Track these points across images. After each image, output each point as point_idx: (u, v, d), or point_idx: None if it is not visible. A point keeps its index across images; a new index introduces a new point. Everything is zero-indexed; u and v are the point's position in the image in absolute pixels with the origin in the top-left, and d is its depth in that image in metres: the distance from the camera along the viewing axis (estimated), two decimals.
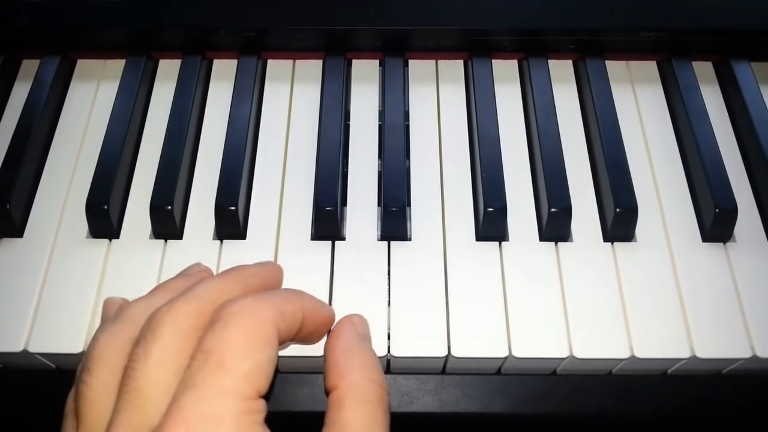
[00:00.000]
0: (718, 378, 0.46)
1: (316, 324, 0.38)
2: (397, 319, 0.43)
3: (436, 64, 0.56)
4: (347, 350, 0.36)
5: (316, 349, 0.41)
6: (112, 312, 0.40)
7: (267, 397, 0.33)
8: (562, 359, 0.42)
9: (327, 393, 0.35)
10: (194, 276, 0.41)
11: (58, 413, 0.45)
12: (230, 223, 0.46)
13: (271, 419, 0.32)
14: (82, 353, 0.42)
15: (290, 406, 0.44)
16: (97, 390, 0.33)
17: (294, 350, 0.41)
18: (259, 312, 0.34)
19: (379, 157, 0.50)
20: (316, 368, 0.43)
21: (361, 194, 0.49)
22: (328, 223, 0.46)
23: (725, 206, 0.46)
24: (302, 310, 0.37)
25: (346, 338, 0.37)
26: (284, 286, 0.44)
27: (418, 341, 0.43)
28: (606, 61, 0.54)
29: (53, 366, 0.45)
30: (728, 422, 0.47)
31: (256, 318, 0.33)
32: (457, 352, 0.42)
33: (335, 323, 0.39)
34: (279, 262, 0.46)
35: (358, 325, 0.39)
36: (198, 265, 0.43)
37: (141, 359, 0.32)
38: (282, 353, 0.41)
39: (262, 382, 0.32)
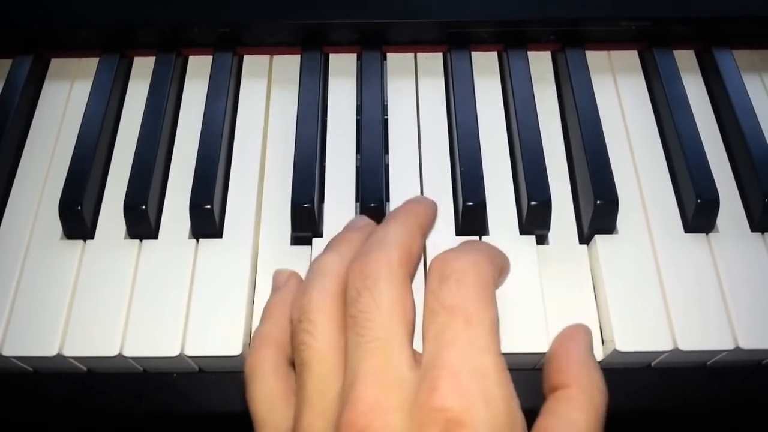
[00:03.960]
0: (703, 370, 0.45)
1: (505, 273, 0.42)
2: None
3: (415, 57, 0.55)
4: (585, 357, 0.37)
5: None
6: (282, 282, 0.41)
7: None
8: (542, 354, 0.42)
9: (550, 387, 0.36)
10: (365, 229, 0.42)
11: (39, 415, 0.45)
12: (206, 221, 0.45)
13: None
14: (58, 356, 0.42)
15: None
16: (321, 339, 0.34)
17: None
18: (483, 268, 0.35)
19: (358, 152, 0.50)
20: None
21: (339, 190, 0.48)
22: (305, 220, 0.45)
23: (707, 197, 0.45)
24: (501, 261, 0.40)
25: (583, 344, 0.38)
26: (262, 283, 0.44)
27: None
28: (586, 51, 0.54)
29: (30, 369, 0.45)
30: (716, 415, 0.46)
31: (483, 275, 0.35)
32: None
33: (570, 327, 0.40)
34: (256, 260, 0.45)
35: (590, 335, 0.39)
36: (363, 218, 0.44)
37: (373, 310, 0.33)
38: None
39: (499, 337, 0.34)
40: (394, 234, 0.37)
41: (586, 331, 0.39)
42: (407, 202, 0.42)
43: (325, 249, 0.40)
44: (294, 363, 0.36)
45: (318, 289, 0.36)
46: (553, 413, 0.34)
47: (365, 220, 0.43)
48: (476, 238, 0.46)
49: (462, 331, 0.32)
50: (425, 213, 0.42)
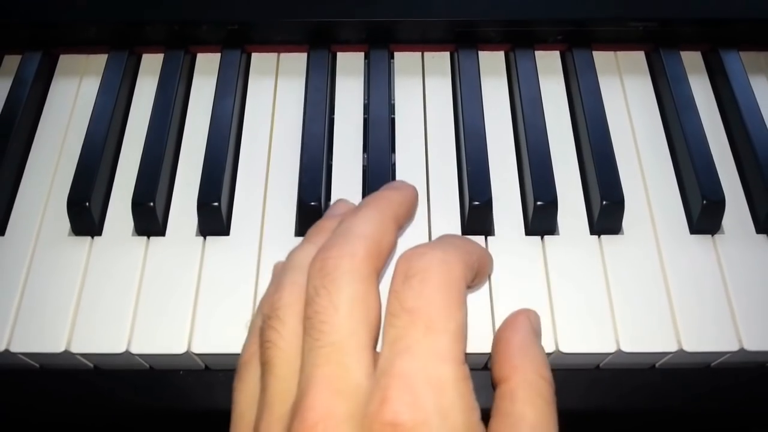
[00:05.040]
0: (707, 371, 0.45)
1: (483, 272, 0.39)
2: None
3: (422, 56, 0.55)
4: (523, 344, 0.35)
5: None
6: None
7: None
8: (548, 354, 0.42)
9: (494, 382, 0.34)
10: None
11: (45, 412, 0.45)
12: (213, 219, 0.46)
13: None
14: (65, 353, 0.42)
15: None
16: (288, 339, 0.32)
17: None
18: (452, 267, 0.33)
19: (364, 151, 0.50)
20: None
21: (346, 189, 0.48)
22: (312, 219, 0.45)
23: (713, 198, 0.45)
24: (477, 260, 0.37)
25: (523, 331, 0.36)
26: (267, 282, 0.44)
27: None
28: (593, 52, 0.54)
29: (37, 365, 0.45)
30: (719, 416, 0.46)
31: (450, 274, 0.33)
32: None
33: (511, 314, 0.38)
34: (263, 258, 0.45)
35: (534, 320, 0.38)
36: (343, 202, 0.42)
37: (329, 311, 0.31)
38: None
39: (465, 343, 0.32)
40: (362, 225, 0.35)
41: (527, 316, 0.37)
42: (384, 188, 0.40)
43: (303, 240, 0.39)
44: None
45: (290, 284, 0.34)
46: (499, 413, 0.33)
47: (346, 205, 0.42)
48: (482, 237, 0.46)
49: (422, 337, 0.30)
50: (402, 201, 0.39)
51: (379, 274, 0.34)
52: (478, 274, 0.38)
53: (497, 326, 0.42)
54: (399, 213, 0.38)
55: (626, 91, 0.53)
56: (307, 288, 0.33)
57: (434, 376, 0.30)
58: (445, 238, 0.37)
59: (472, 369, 0.43)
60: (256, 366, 0.34)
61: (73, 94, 0.54)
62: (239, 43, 0.54)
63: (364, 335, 0.31)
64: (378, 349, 0.33)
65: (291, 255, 0.37)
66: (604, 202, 0.45)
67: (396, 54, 0.55)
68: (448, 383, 0.30)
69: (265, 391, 0.32)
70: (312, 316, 0.32)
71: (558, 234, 0.46)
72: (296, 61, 0.55)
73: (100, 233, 0.47)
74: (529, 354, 0.35)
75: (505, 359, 0.34)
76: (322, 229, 0.38)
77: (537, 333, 0.38)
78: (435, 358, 0.30)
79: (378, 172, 0.47)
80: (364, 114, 0.52)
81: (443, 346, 0.30)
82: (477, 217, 0.46)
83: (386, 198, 0.38)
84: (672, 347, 0.42)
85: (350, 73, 0.54)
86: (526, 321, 0.37)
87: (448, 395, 0.29)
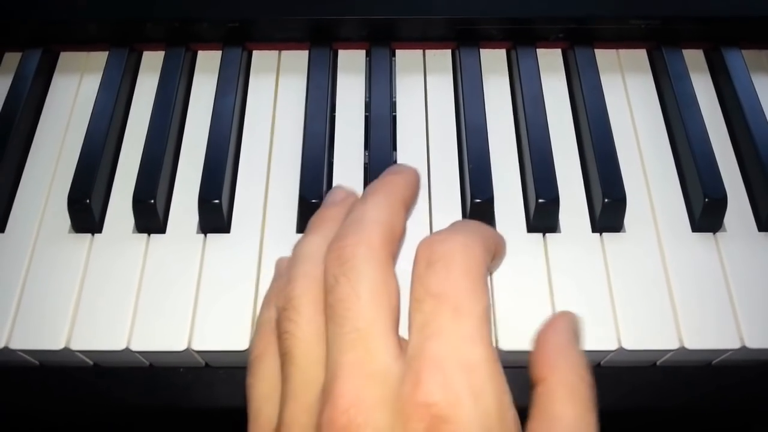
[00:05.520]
0: (708, 369, 0.45)
1: (499, 254, 0.39)
2: None
3: (424, 53, 0.55)
4: (563, 344, 0.35)
5: None
6: (285, 270, 0.39)
7: None
8: None
9: (533, 382, 0.34)
10: (346, 202, 0.39)
11: (44, 410, 0.45)
12: (214, 216, 0.46)
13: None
14: (65, 350, 0.42)
15: None
16: (306, 329, 0.33)
17: None
18: (474, 252, 0.33)
19: (366, 148, 0.50)
20: None
21: (347, 186, 0.48)
22: None
23: (714, 196, 0.45)
24: (494, 243, 0.37)
25: (564, 332, 0.35)
26: (268, 279, 0.44)
27: None
28: (595, 50, 0.54)
29: (36, 363, 0.45)
30: (721, 414, 0.46)
31: (473, 259, 0.33)
32: None
33: (552, 316, 0.37)
34: (264, 256, 0.45)
35: (575, 322, 0.37)
36: (341, 189, 0.42)
37: (352, 298, 0.31)
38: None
39: (491, 325, 0.32)
40: (373, 211, 0.35)
41: (567, 318, 0.36)
42: (386, 174, 0.40)
43: (306, 230, 0.38)
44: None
45: (302, 275, 0.34)
46: (538, 411, 0.32)
47: (344, 192, 0.42)
48: None
49: (449, 321, 0.30)
50: (407, 184, 0.39)
51: (394, 259, 0.34)
52: (495, 256, 0.38)
53: (499, 323, 0.42)
54: (406, 196, 0.38)
55: (628, 89, 0.53)
56: (325, 277, 0.33)
57: (465, 358, 0.30)
58: (462, 224, 0.38)
59: None
60: (270, 360, 0.34)
61: (74, 91, 0.53)
62: (240, 40, 0.54)
63: (387, 320, 0.31)
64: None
65: (298, 247, 0.36)
66: (606, 200, 0.45)
67: (397, 51, 0.55)
68: (480, 365, 0.30)
69: (288, 381, 0.32)
70: (335, 304, 0.32)
71: (559, 231, 0.46)
72: (297, 59, 0.55)
73: (100, 231, 0.47)
74: (568, 354, 0.34)
75: (544, 359, 0.34)
76: (325, 218, 0.38)
77: (577, 335, 0.37)
78: (465, 340, 0.30)
79: (379, 169, 0.46)
80: (366, 111, 0.52)
81: (471, 328, 0.30)
82: (478, 215, 0.45)
83: (392, 183, 0.38)
84: (673, 345, 0.42)
85: (351, 71, 0.54)
86: (567, 321, 0.36)
87: (479, 376, 0.30)
